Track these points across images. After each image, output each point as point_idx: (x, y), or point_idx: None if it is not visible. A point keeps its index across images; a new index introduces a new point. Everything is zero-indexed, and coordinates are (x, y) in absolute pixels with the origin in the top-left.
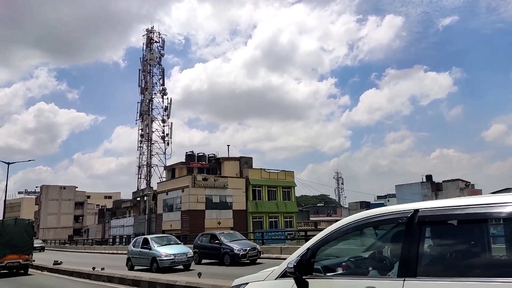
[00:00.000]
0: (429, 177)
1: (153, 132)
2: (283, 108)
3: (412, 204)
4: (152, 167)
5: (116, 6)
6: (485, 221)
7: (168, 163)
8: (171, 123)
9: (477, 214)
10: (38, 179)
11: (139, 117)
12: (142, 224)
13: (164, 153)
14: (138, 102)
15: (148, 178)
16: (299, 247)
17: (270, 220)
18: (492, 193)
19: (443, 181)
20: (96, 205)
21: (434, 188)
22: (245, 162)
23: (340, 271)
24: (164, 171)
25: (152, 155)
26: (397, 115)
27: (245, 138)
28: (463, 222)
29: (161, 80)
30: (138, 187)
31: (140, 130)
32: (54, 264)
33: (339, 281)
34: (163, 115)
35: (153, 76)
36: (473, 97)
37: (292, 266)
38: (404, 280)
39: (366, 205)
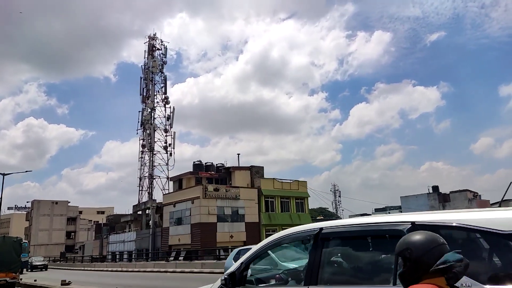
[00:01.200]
0: (435, 188)
1: (155, 142)
2: (275, 122)
3: (320, 223)
4: (154, 178)
5: (107, 21)
6: (369, 237)
7: (171, 174)
8: (174, 132)
9: (363, 232)
10: (26, 195)
11: (140, 126)
12: (145, 239)
13: (167, 164)
14: (139, 111)
15: (150, 190)
16: None
17: None
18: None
19: (451, 192)
20: (89, 220)
21: (441, 199)
22: (256, 172)
23: (273, 282)
24: (169, 182)
25: (154, 166)
26: (387, 129)
27: (237, 152)
28: (352, 238)
29: (163, 89)
30: (139, 200)
31: (142, 140)
32: (62, 284)
33: None
34: (166, 125)
35: (155, 84)
36: (461, 111)
37: (223, 279)
38: (307, 287)
39: None
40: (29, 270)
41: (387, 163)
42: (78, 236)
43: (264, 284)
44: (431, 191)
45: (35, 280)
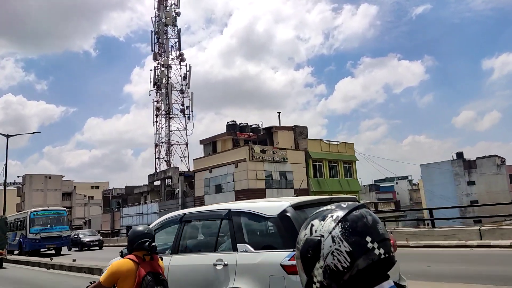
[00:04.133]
0: (460, 155)
1: (170, 104)
2: (260, 97)
3: (185, 210)
4: (172, 144)
5: None
6: (206, 219)
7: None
8: (192, 93)
9: (203, 216)
10: (7, 173)
11: (153, 86)
12: (172, 210)
13: (185, 129)
14: (151, 70)
15: (168, 157)
16: None
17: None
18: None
19: (477, 158)
20: (84, 195)
21: (467, 166)
22: (300, 132)
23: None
24: (200, 145)
25: (171, 131)
26: (372, 103)
27: (222, 127)
28: (198, 220)
29: (177, 44)
30: (156, 169)
31: (156, 103)
32: None
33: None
34: (182, 85)
35: (168, 39)
36: (444, 85)
37: (120, 251)
38: (171, 255)
39: (376, 188)
40: (81, 248)
41: (371, 137)
42: (74, 211)
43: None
44: (455, 157)
45: (7, 256)
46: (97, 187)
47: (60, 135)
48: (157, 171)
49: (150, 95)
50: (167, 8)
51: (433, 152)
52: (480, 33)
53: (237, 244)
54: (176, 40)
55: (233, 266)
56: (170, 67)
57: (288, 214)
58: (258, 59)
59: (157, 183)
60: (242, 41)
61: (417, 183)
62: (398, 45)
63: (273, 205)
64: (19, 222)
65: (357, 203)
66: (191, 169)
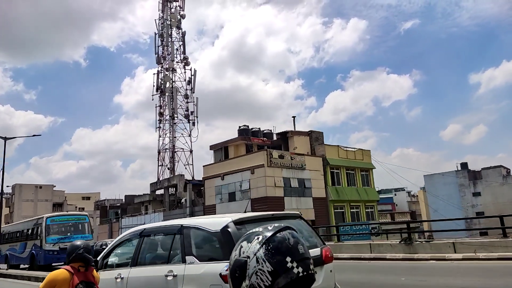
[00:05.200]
0: (464, 165)
1: (174, 109)
2: (251, 109)
3: (145, 225)
4: (176, 151)
5: (76, 3)
6: (161, 233)
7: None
8: (197, 98)
9: (159, 230)
10: None
11: (157, 91)
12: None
13: (190, 135)
14: (154, 74)
15: (172, 164)
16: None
17: (351, 210)
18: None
19: (482, 169)
20: (76, 206)
21: (472, 176)
22: (315, 138)
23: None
24: (209, 151)
25: (175, 137)
26: (361, 116)
27: (213, 139)
28: (155, 234)
29: (181, 47)
30: (158, 177)
31: (159, 108)
32: None
33: (112, 271)
34: (186, 89)
35: (173, 41)
36: (432, 99)
37: None
38: (131, 268)
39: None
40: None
41: None
42: None
43: (114, 266)
44: (459, 168)
45: None
46: (88, 198)
47: (48, 146)
48: (160, 179)
49: (153, 99)
50: (172, 10)
51: (421, 164)
52: (467, 48)
53: (186, 257)
54: (180, 43)
55: (181, 276)
56: (175, 70)
57: (229, 229)
58: (249, 71)
59: (160, 191)
60: (234, 53)
61: (416, 195)
62: (387, 59)
63: (217, 221)
64: (29, 231)
65: (282, 225)
66: (195, 177)
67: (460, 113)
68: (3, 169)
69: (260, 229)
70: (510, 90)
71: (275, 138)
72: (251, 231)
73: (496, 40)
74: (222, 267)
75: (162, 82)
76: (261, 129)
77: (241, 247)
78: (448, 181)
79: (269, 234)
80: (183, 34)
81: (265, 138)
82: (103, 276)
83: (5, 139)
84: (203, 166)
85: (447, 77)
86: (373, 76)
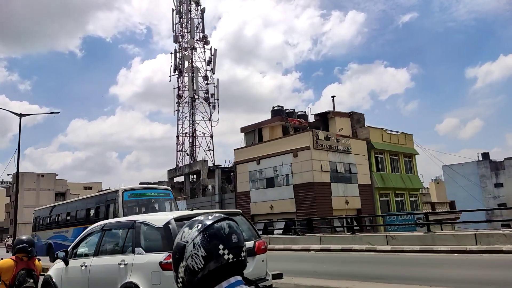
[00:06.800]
0: (485, 155)
1: (194, 91)
2: (248, 101)
3: (106, 220)
4: (196, 136)
5: None
6: (118, 228)
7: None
8: (217, 80)
9: (116, 225)
10: None
11: (174, 71)
12: (205, 209)
13: (210, 119)
14: (171, 53)
15: (193, 150)
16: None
17: (396, 199)
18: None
19: (505, 159)
20: (78, 196)
21: (493, 167)
22: (357, 120)
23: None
24: (241, 134)
25: (194, 120)
26: (358, 109)
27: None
28: (113, 229)
29: (201, 25)
30: (177, 163)
31: (177, 89)
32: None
33: (79, 260)
34: (206, 70)
35: (191, 18)
36: (428, 92)
37: (56, 253)
38: (93, 257)
39: None
40: None
41: None
42: None
43: (82, 255)
44: (480, 158)
45: None
46: (90, 188)
47: (43, 137)
48: (178, 166)
49: (170, 80)
50: None
51: (417, 158)
52: (464, 42)
53: (136, 248)
54: (200, 20)
55: (131, 265)
56: (195, 49)
57: (170, 225)
58: (246, 63)
59: (179, 179)
60: (231, 45)
61: (426, 187)
62: (384, 52)
63: (161, 218)
64: (92, 210)
65: (222, 215)
66: (216, 163)
67: (456, 107)
68: (18, 147)
69: (202, 218)
70: (506, 84)
71: (312, 120)
72: (194, 218)
73: (494, 34)
74: (161, 257)
75: (180, 62)
76: (295, 111)
77: (183, 232)
78: (468, 171)
79: (208, 222)
80: (202, 10)
81: (302, 120)
82: (72, 264)
83: (21, 115)
84: (234, 149)
85: (444, 71)
86: (370, 69)
